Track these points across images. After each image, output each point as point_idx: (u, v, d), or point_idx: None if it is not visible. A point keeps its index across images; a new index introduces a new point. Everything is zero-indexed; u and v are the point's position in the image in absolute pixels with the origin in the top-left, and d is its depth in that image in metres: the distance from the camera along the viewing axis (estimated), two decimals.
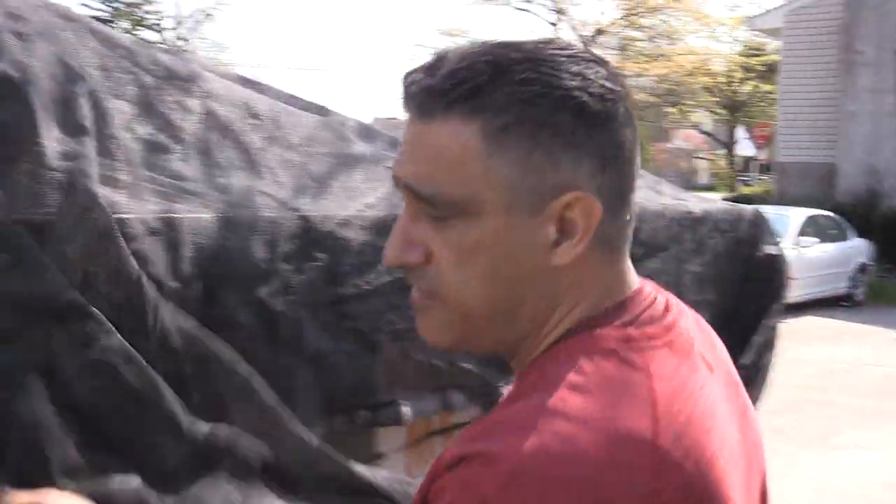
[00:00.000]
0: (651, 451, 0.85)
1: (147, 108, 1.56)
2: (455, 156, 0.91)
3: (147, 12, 28.23)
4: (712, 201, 3.55)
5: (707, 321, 1.07)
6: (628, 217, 0.96)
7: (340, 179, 1.80)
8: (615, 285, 0.97)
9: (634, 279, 0.99)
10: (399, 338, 1.93)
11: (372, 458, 2.09)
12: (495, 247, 0.93)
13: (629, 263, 0.99)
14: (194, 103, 1.65)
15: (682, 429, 0.88)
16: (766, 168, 28.63)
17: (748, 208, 3.42)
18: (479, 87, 0.90)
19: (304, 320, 1.69)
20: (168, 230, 1.41)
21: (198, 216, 1.48)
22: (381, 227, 1.81)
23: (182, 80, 1.66)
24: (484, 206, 0.92)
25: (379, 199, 1.83)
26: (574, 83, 0.90)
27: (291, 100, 2.07)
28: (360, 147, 2.01)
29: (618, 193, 0.94)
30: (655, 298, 0.99)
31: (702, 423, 0.91)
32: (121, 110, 1.49)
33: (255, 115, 1.74)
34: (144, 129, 1.53)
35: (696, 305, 1.01)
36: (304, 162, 1.75)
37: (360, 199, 1.78)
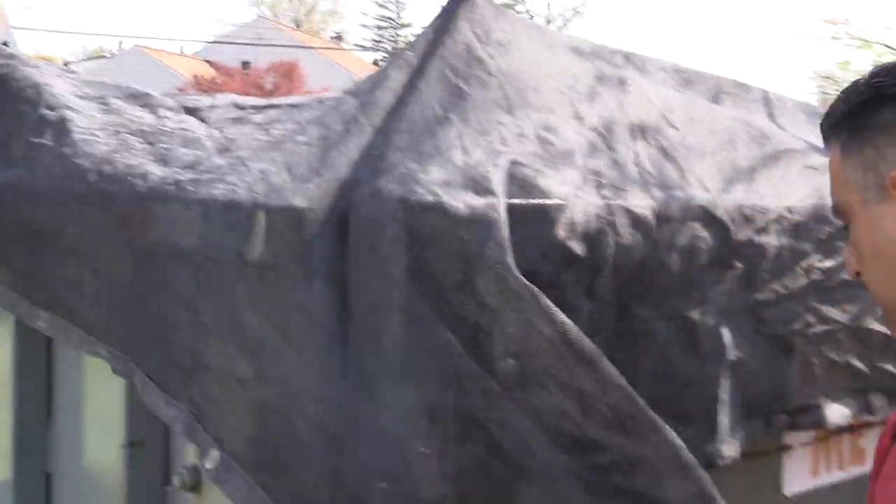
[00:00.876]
0: None
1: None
2: (833, 174, 1.15)
3: (520, 12, 29.48)
4: None
5: None
6: None
7: (762, 177, 1.80)
8: None
9: None
10: (816, 341, 1.89)
11: (779, 451, 2.07)
12: (874, 243, 1.10)
13: None
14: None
15: None
16: None
17: None
18: (835, 112, 1.13)
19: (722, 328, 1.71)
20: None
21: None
22: (799, 230, 1.78)
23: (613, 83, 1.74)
24: (851, 208, 1.12)
25: (800, 198, 1.81)
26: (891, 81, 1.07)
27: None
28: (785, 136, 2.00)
29: None
30: None
31: None
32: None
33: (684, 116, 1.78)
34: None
35: None
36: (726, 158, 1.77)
37: (781, 199, 1.77)
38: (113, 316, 1.58)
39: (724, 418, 1.74)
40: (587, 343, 1.34)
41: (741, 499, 2.03)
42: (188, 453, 1.66)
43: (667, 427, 1.43)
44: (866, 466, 2.31)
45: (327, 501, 1.32)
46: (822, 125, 1.18)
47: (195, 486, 1.63)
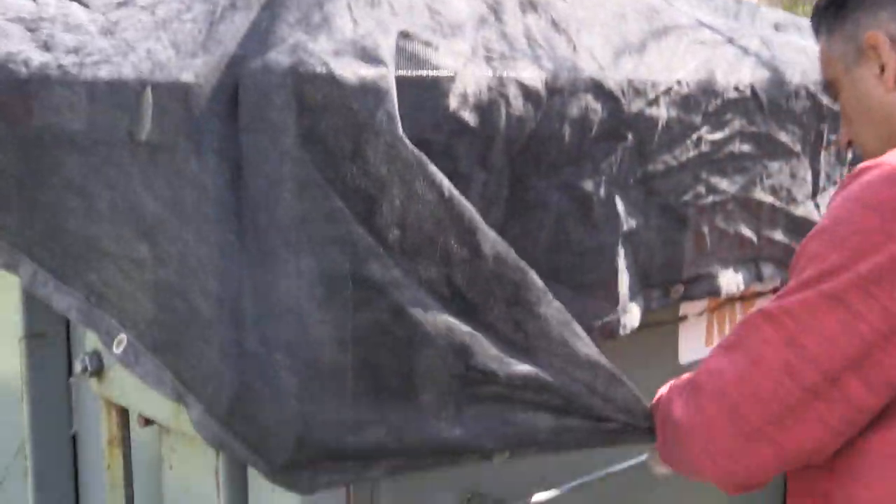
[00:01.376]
0: None
1: None
2: (823, 57, 1.47)
3: None
4: None
5: None
6: None
7: (652, 51, 1.82)
8: None
9: None
10: (707, 211, 1.95)
11: (674, 322, 2.15)
12: (857, 102, 1.41)
13: None
14: None
15: None
16: None
17: None
18: (819, 5, 1.46)
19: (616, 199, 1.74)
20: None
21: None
22: (688, 102, 1.82)
23: None
24: (838, 80, 1.44)
25: (689, 71, 1.84)
26: None
27: None
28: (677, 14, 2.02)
29: None
30: None
31: None
32: None
33: None
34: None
35: None
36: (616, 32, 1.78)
37: (671, 73, 1.80)
38: None
39: (623, 288, 1.80)
40: (469, 209, 1.36)
41: (640, 370, 2.12)
42: (90, 340, 1.66)
43: (553, 299, 1.47)
44: None
45: (231, 376, 1.33)
46: (811, 20, 1.49)
47: (97, 372, 1.63)
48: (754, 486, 1.32)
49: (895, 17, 1.35)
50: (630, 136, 1.73)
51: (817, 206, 2.26)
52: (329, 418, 1.32)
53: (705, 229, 1.96)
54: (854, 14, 1.39)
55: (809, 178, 2.22)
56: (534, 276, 1.45)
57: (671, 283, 1.94)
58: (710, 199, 1.95)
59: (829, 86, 1.49)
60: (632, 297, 1.83)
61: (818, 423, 1.19)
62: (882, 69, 1.36)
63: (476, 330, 1.40)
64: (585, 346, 1.50)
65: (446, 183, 1.34)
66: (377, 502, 1.60)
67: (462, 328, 1.37)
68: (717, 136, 1.92)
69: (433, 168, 1.32)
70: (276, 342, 1.30)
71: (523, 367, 1.42)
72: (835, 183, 2.33)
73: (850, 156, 2.24)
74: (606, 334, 1.78)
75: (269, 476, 1.37)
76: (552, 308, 1.46)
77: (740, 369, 1.24)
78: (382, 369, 1.35)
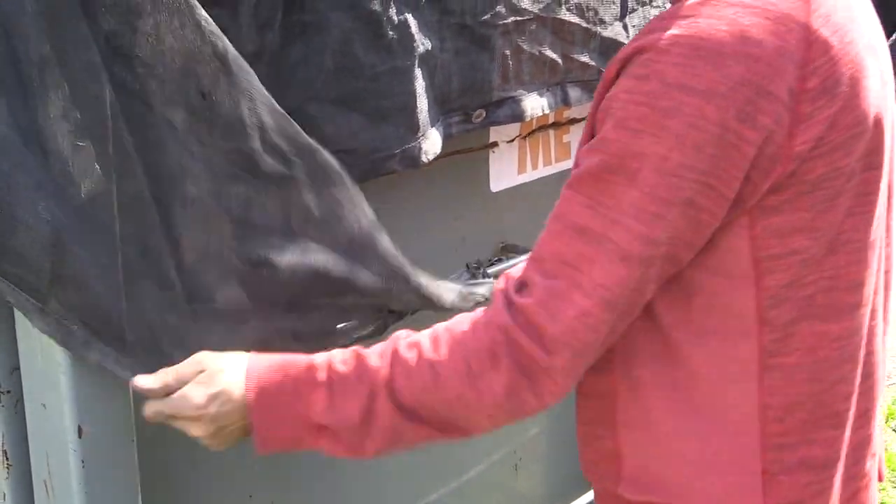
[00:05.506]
0: (804, 29, 1.11)
1: None
2: None
3: None
4: None
5: None
6: None
7: None
8: None
9: None
10: (509, 32, 1.90)
11: (486, 148, 2.13)
12: None
13: None
14: None
15: (830, 15, 1.14)
16: None
17: None
18: None
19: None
20: None
21: None
22: None
23: None
24: None
25: None
26: None
27: None
28: None
29: None
30: None
31: (846, 16, 1.17)
32: None
33: None
34: None
35: None
36: None
37: None
38: None
39: (422, 114, 1.74)
40: (234, 54, 1.29)
41: (450, 198, 2.10)
42: None
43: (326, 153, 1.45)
44: (572, 161, 2.42)
45: None
46: None
47: None
48: None
49: None
50: None
51: (626, 28, 2.23)
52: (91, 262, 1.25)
53: (507, 51, 1.91)
54: None
55: None
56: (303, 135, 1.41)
57: (472, 107, 1.89)
58: (512, 19, 1.89)
59: None
60: (431, 123, 1.78)
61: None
62: None
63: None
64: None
65: (216, 30, 1.26)
66: None
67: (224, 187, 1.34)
68: None
69: (202, 13, 1.24)
70: (28, 178, 1.22)
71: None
72: (643, 3, 2.30)
73: None
74: (407, 163, 1.74)
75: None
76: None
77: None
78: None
